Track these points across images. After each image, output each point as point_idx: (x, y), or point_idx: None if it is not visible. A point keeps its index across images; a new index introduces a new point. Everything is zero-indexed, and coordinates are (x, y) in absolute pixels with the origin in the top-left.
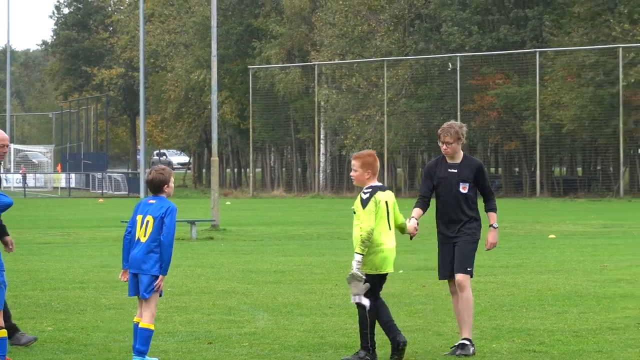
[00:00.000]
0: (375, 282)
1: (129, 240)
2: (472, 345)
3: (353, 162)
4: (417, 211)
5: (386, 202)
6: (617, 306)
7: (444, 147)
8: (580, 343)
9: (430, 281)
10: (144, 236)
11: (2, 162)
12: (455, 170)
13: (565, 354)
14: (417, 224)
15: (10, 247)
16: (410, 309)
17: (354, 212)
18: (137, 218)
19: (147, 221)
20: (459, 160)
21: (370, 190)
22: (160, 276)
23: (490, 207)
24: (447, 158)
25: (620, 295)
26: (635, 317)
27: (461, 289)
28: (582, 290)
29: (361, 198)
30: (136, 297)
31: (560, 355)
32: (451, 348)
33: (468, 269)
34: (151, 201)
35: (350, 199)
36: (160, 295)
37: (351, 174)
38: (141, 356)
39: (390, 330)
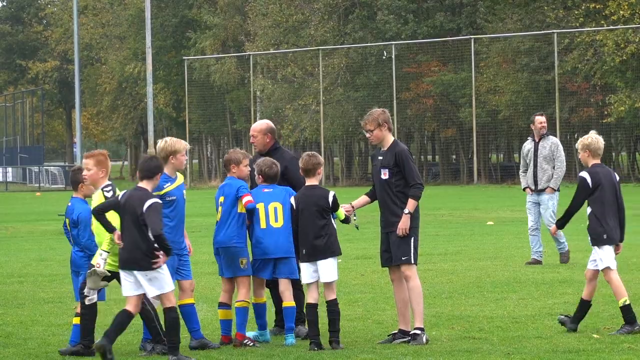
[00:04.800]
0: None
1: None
2: (424, 333)
3: (86, 161)
4: (361, 199)
5: None
6: (555, 292)
7: (368, 135)
8: (520, 329)
9: (369, 270)
10: (276, 222)
11: None
12: (382, 157)
13: (504, 340)
14: (353, 209)
15: None
16: (349, 297)
17: None
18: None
19: (275, 208)
20: (386, 147)
21: (111, 187)
22: None
23: (410, 194)
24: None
25: (559, 281)
26: (574, 303)
27: (405, 278)
28: (520, 277)
29: (105, 198)
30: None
31: (499, 342)
32: (388, 336)
33: (403, 258)
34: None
35: None
36: None
37: (84, 174)
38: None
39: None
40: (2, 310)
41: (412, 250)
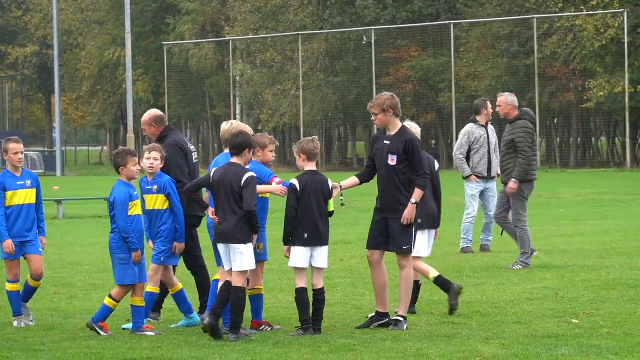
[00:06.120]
0: None
1: None
2: (406, 321)
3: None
4: (350, 179)
5: None
6: (534, 277)
7: (372, 117)
8: (499, 314)
9: (347, 255)
10: None
11: None
12: (388, 142)
13: (483, 325)
14: (340, 188)
15: None
16: (328, 282)
17: None
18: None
19: None
20: (394, 132)
21: None
22: None
23: (416, 183)
24: (386, 130)
25: (538, 266)
26: (552, 287)
27: (400, 267)
28: (499, 262)
29: None
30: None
31: (478, 326)
32: (366, 318)
33: (404, 247)
34: None
35: None
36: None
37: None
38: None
39: None
40: None
41: (412, 240)
